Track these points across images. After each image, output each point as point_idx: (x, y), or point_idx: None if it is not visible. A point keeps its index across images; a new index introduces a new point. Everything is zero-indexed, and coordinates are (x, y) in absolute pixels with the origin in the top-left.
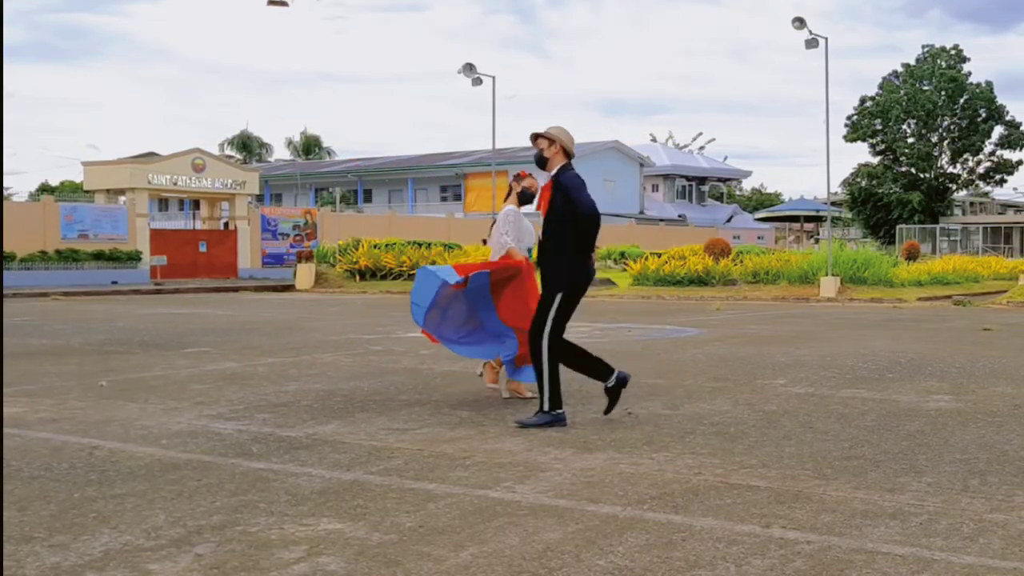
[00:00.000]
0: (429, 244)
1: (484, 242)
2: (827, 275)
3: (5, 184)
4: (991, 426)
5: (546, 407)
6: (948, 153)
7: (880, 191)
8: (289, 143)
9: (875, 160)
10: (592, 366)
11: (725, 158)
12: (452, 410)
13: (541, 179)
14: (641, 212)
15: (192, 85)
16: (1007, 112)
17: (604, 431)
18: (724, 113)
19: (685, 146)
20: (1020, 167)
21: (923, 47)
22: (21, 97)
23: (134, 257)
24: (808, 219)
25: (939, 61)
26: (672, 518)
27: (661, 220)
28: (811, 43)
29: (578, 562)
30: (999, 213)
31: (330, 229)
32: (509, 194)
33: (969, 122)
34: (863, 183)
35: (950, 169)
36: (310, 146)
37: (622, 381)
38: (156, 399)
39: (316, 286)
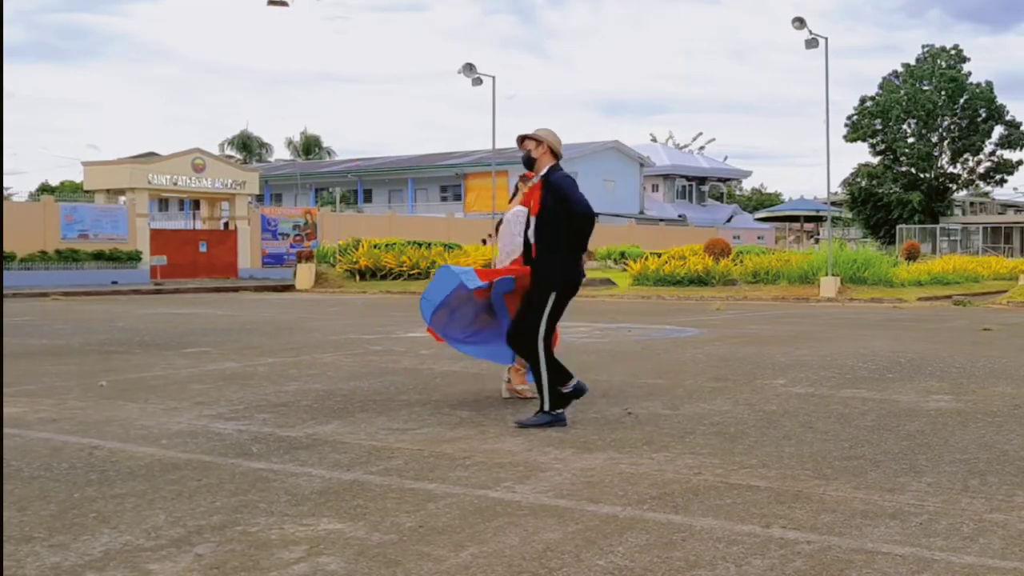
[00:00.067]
0: (429, 244)
1: (484, 242)
2: (827, 275)
3: (5, 184)
4: (991, 426)
5: (546, 407)
6: (948, 153)
7: (880, 191)
8: (289, 143)
9: (875, 160)
10: (560, 374)
11: (725, 158)
12: (452, 410)
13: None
14: (641, 212)
15: (192, 85)
16: (1007, 112)
17: (604, 431)
18: (724, 113)
19: (685, 146)
20: (1020, 167)
21: (923, 47)
22: (21, 97)
23: (134, 257)
24: (808, 219)
25: (939, 61)
26: (672, 518)
27: (661, 220)
28: (811, 43)
29: (578, 562)
30: (999, 213)
31: (330, 229)
32: (515, 195)
33: (969, 122)
34: (863, 183)
35: (950, 169)
36: (310, 146)
37: (578, 391)
38: (156, 399)
39: (316, 286)
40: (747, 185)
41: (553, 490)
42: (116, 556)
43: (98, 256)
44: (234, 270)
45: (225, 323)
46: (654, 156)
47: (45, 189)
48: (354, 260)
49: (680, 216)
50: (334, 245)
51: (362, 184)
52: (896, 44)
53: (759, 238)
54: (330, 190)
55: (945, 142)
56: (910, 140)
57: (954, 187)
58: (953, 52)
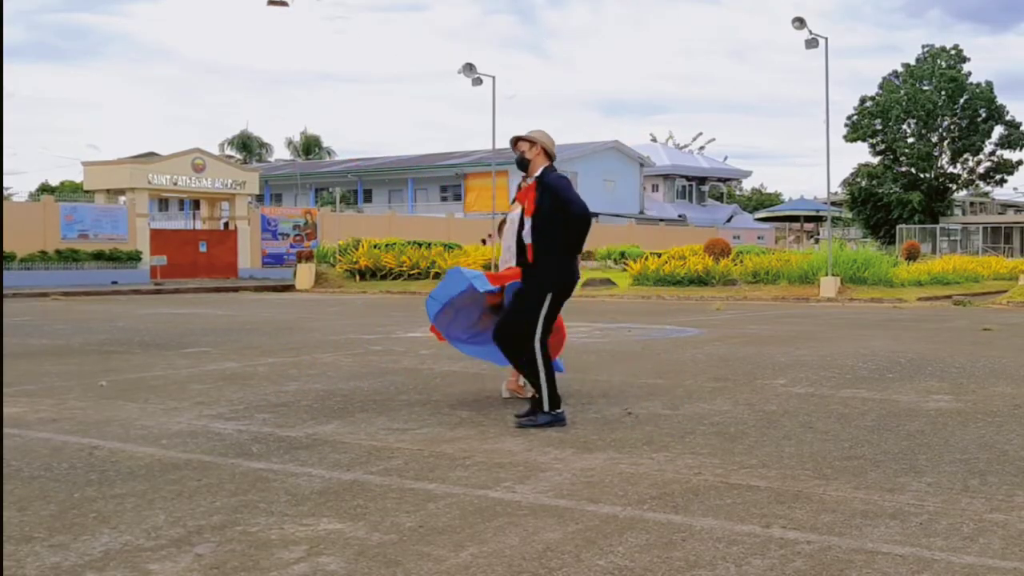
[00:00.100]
0: (429, 244)
1: (483, 242)
2: (827, 275)
3: (5, 184)
4: (991, 426)
5: (546, 407)
6: (948, 153)
7: (880, 191)
8: (289, 143)
9: (875, 160)
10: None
11: (725, 158)
12: (452, 410)
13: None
14: (641, 212)
15: (192, 85)
16: (1007, 112)
17: (604, 431)
18: (724, 113)
19: (685, 146)
20: (1020, 167)
21: (923, 47)
22: (21, 97)
23: (134, 257)
24: (808, 219)
25: (939, 61)
26: (672, 518)
27: (661, 220)
28: (811, 43)
29: (578, 562)
30: (999, 213)
31: (330, 229)
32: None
33: (969, 122)
34: (863, 183)
35: (950, 169)
36: (310, 146)
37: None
38: (156, 399)
39: (316, 286)
40: (747, 185)
41: (553, 490)
42: (116, 556)
43: (98, 256)
44: (234, 270)
45: (225, 323)
46: (654, 156)
47: (45, 189)
48: (354, 260)
49: (680, 216)
50: (334, 245)
51: (362, 184)
52: (896, 44)
53: (759, 238)
54: (330, 190)
55: (945, 142)
56: (910, 140)
57: (954, 187)
58: (953, 52)
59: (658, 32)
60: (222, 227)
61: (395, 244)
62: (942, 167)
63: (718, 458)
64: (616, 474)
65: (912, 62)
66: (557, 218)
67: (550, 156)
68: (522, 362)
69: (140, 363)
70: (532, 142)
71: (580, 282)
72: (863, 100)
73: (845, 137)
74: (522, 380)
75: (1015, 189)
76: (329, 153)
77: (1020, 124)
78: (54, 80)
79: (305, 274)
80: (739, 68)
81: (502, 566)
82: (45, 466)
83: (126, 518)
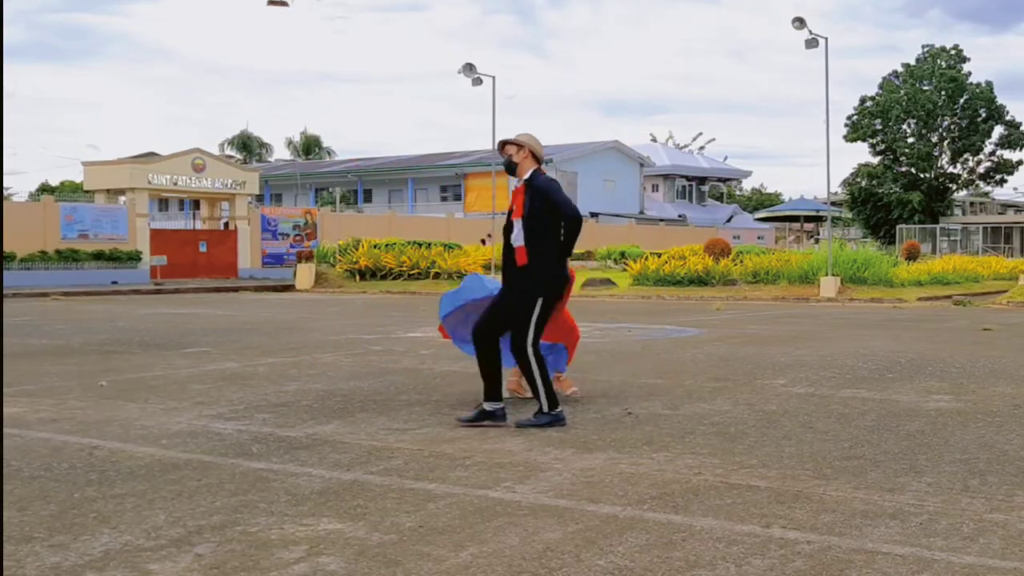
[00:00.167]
0: (429, 244)
1: (483, 242)
2: (827, 275)
3: (5, 184)
4: (991, 426)
5: (545, 408)
6: (948, 153)
7: (880, 191)
8: (289, 143)
9: (875, 160)
10: (493, 378)
11: (725, 158)
12: (452, 410)
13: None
14: (641, 212)
15: (192, 85)
16: (1007, 112)
17: (604, 431)
18: (724, 113)
19: (685, 146)
20: (1020, 167)
21: (923, 47)
22: (21, 97)
23: (134, 257)
24: (808, 219)
25: (939, 61)
26: (672, 518)
27: (661, 220)
28: (811, 43)
29: (578, 562)
30: (999, 213)
31: (330, 229)
32: None
33: (969, 122)
34: (863, 183)
35: (950, 169)
36: (310, 146)
37: (499, 415)
38: (156, 399)
39: (316, 286)
40: (747, 185)
41: (553, 490)
42: (116, 556)
43: (98, 256)
44: (234, 270)
45: (225, 323)
46: (654, 156)
47: (45, 189)
48: (354, 260)
49: (680, 216)
50: (334, 245)
51: (362, 184)
52: (896, 44)
53: (759, 238)
54: (330, 190)
55: (945, 142)
56: (910, 140)
57: (954, 187)
58: (953, 52)
59: (658, 32)
60: (222, 227)
61: (395, 244)
62: (942, 167)
63: (718, 458)
64: (616, 474)
65: (912, 62)
66: (547, 220)
67: (538, 159)
68: (489, 359)
69: (140, 363)
70: (519, 145)
71: (580, 282)
72: (863, 100)
73: (845, 137)
74: (524, 382)
75: (1015, 189)
76: (329, 153)
77: (1020, 124)
78: (54, 80)
79: (305, 274)
80: (739, 68)
81: (502, 566)
82: (45, 466)
83: (126, 518)
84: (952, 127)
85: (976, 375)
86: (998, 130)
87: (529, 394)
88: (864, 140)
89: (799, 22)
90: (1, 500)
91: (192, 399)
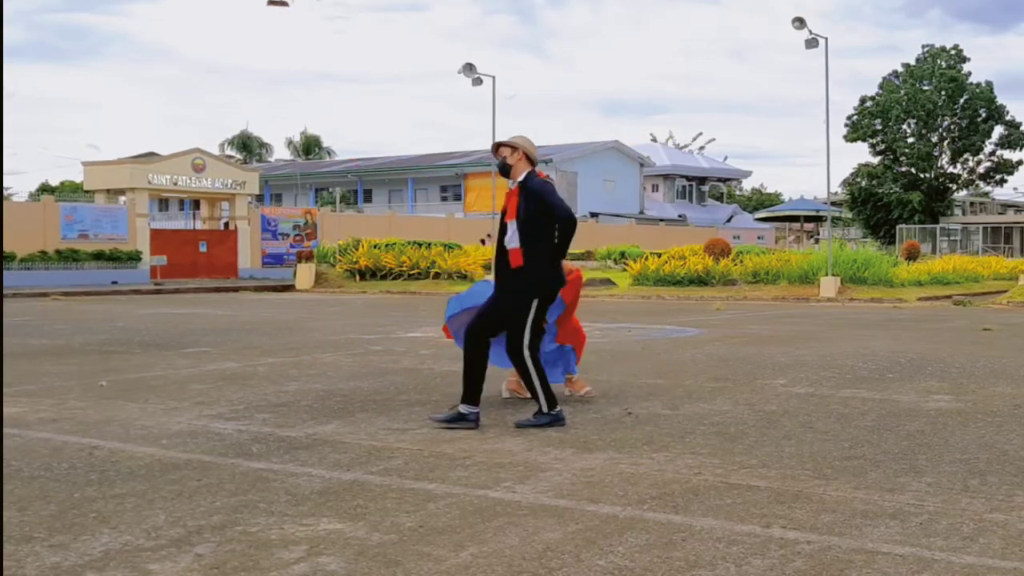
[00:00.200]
0: (429, 244)
1: (483, 242)
2: (827, 275)
3: (5, 184)
4: (991, 426)
5: (544, 408)
6: (948, 153)
7: (880, 191)
8: (289, 143)
9: (875, 160)
10: (475, 382)
11: (725, 158)
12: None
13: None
14: (641, 212)
15: (192, 85)
16: (1007, 112)
17: (604, 431)
18: (724, 113)
19: (685, 146)
20: (1020, 167)
21: (923, 47)
22: (21, 97)
23: (134, 257)
24: (808, 219)
25: (939, 61)
26: (672, 518)
27: (661, 220)
28: (811, 43)
29: (578, 562)
30: (999, 213)
31: (330, 229)
32: None
33: (969, 122)
34: (863, 183)
35: (950, 169)
36: (310, 146)
37: (472, 419)
38: (156, 399)
39: (316, 286)
40: (747, 185)
41: (553, 490)
42: (116, 556)
43: (98, 256)
44: (234, 270)
45: (225, 323)
46: (654, 156)
47: (45, 189)
48: (354, 260)
49: (680, 216)
50: (334, 245)
51: (362, 184)
52: (896, 44)
53: (759, 238)
54: (330, 190)
55: (945, 142)
56: (910, 140)
57: (954, 187)
58: (953, 52)
59: (658, 32)
60: (222, 227)
61: (395, 244)
62: (942, 167)
63: (718, 458)
64: (616, 474)
65: (912, 62)
66: (542, 222)
67: (532, 161)
68: (475, 362)
69: (140, 363)
70: (513, 147)
71: None
72: (863, 100)
73: (845, 137)
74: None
75: (1015, 189)
76: (329, 153)
77: (1020, 124)
78: (54, 80)
79: (305, 274)
80: (739, 68)
81: (502, 566)
82: (45, 466)
83: (126, 518)
84: (952, 127)
85: (976, 375)
86: (998, 130)
87: (529, 395)
88: (864, 140)
89: (799, 22)
90: (1, 500)
91: (192, 399)
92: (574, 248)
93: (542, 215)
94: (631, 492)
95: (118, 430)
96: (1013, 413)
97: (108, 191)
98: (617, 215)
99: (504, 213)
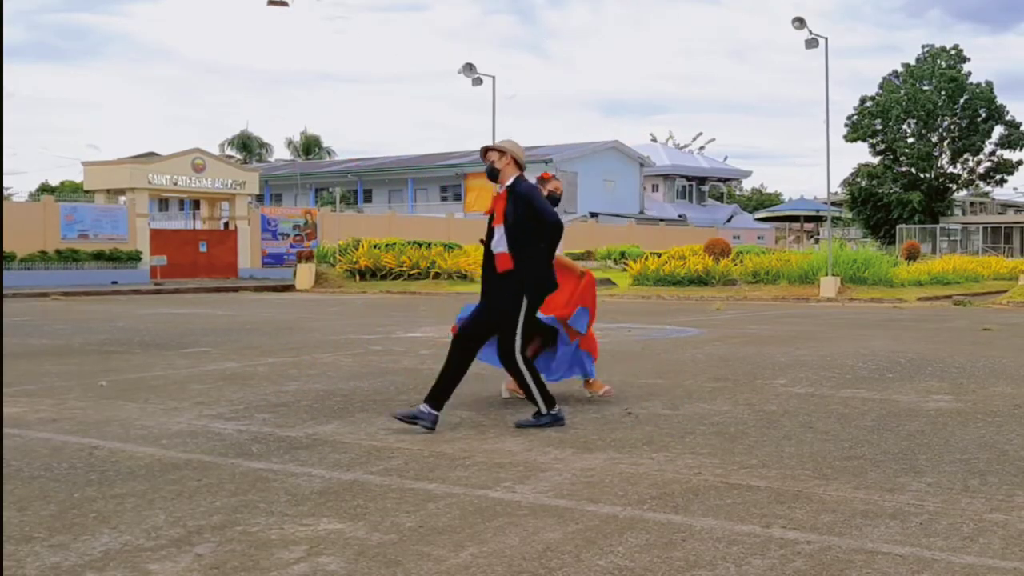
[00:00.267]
0: (429, 244)
1: (482, 242)
2: (827, 275)
3: (5, 184)
4: (991, 426)
5: (543, 409)
6: (948, 153)
7: (880, 191)
8: (289, 143)
9: (875, 160)
10: (445, 386)
11: (725, 158)
12: (452, 410)
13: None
14: (641, 212)
15: (192, 85)
16: (1007, 112)
17: (604, 431)
18: (724, 113)
19: (685, 146)
20: (1020, 167)
21: (923, 47)
22: (21, 97)
23: (134, 257)
24: (808, 219)
25: (939, 61)
26: (672, 518)
27: (661, 220)
28: (811, 43)
29: (578, 562)
30: (999, 213)
31: (330, 229)
32: None
33: (969, 122)
34: (863, 183)
35: (950, 169)
36: (310, 146)
37: (429, 421)
38: (156, 399)
39: (316, 286)
40: (747, 185)
41: (553, 490)
42: (116, 556)
43: (98, 256)
44: (234, 270)
45: (225, 323)
46: (654, 156)
47: (45, 189)
48: (354, 260)
49: (680, 216)
50: (334, 245)
51: (362, 184)
52: (896, 44)
53: (759, 238)
54: (330, 190)
55: (945, 142)
56: (910, 140)
57: (954, 187)
58: (953, 52)
59: (658, 32)
60: (222, 227)
61: (395, 244)
62: (942, 167)
63: (718, 458)
64: (616, 474)
65: (912, 62)
66: (530, 227)
67: (520, 165)
68: (456, 363)
69: (140, 363)
70: (502, 151)
71: None
72: (863, 100)
73: (845, 137)
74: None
75: (1015, 189)
76: (329, 153)
77: (1020, 124)
78: (54, 80)
79: (305, 274)
80: (739, 68)
81: (502, 566)
82: (45, 466)
83: (126, 518)
84: (952, 127)
85: (976, 375)
86: (998, 130)
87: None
88: (864, 140)
89: (799, 22)
90: (1, 500)
91: (192, 399)
92: (574, 248)
93: (530, 219)
94: (631, 492)
95: (118, 430)
96: (1013, 413)
97: (108, 191)
98: (617, 215)
99: (491, 217)
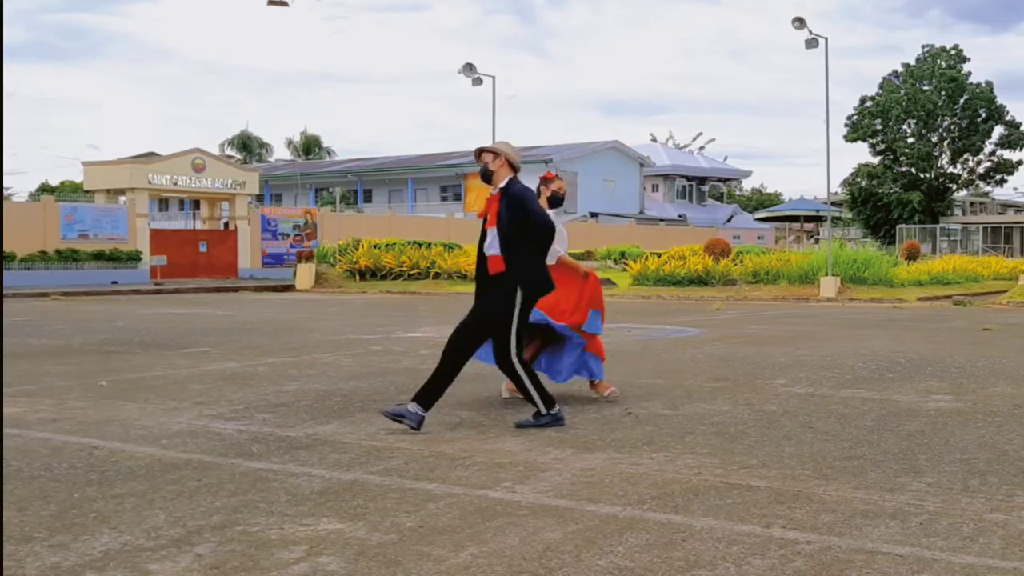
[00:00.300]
0: (429, 244)
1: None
2: (827, 275)
3: (5, 184)
4: (991, 426)
5: (542, 410)
6: (948, 153)
7: (880, 191)
8: (289, 143)
9: (875, 160)
10: (435, 387)
11: (725, 158)
12: (452, 410)
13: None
14: (641, 212)
15: (192, 85)
16: (1007, 112)
17: (604, 431)
18: (724, 113)
19: (685, 146)
20: (1020, 167)
21: (923, 47)
22: (21, 97)
23: (134, 257)
24: (808, 219)
25: (939, 61)
26: (672, 518)
27: (661, 220)
28: (811, 43)
29: (578, 562)
30: (999, 213)
31: (330, 229)
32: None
33: (969, 122)
34: (863, 183)
35: (950, 169)
36: (310, 146)
37: (415, 420)
38: (156, 399)
39: (316, 286)
40: (747, 185)
41: (553, 490)
42: (116, 556)
43: (98, 256)
44: (234, 270)
45: (225, 323)
46: (654, 156)
47: (45, 189)
48: (354, 260)
49: (680, 216)
50: (334, 245)
51: (362, 184)
52: (896, 44)
53: (759, 238)
54: (330, 190)
55: (945, 142)
56: (910, 140)
57: (954, 187)
58: (953, 52)
59: (658, 32)
60: (222, 227)
61: (395, 244)
62: (942, 167)
63: (718, 458)
64: (616, 474)
65: (912, 62)
66: (523, 229)
67: (514, 167)
68: (449, 364)
69: (140, 363)
70: (496, 153)
71: None
72: (863, 100)
73: (845, 137)
74: None
75: (1015, 189)
76: (329, 153)
77: (1020, 124)
78: (54, 80)
79: (305, 274)
80: (739, 68)
81: (502, 566)
82: (45, 466)
83: (126, 518)
84: (952, 127)
85: (976, 375)
86: (998, 130)
87: None
88: (864, 140)
89: (799, 22)
90: (1, 500)
91: (192, 399)
92: (574, 248)
93: (524, 222)
94: (631, 492)
95: (118, 430)
96: (1013, 413)
97: (108, 191)
98: (617, 215)
99: (485, 220)
